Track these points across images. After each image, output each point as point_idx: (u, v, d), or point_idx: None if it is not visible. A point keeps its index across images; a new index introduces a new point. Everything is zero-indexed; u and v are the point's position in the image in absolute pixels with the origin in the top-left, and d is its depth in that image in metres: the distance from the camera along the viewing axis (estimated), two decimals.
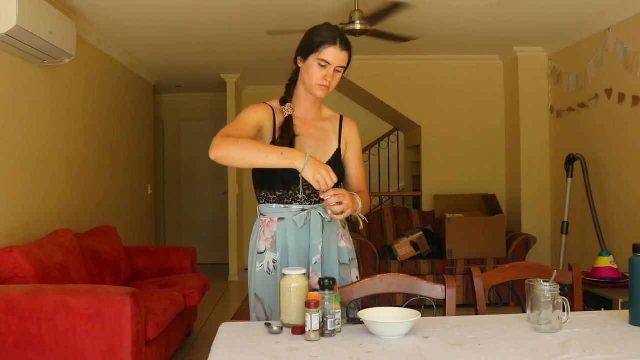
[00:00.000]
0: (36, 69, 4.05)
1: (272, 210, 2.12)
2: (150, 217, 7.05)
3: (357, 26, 4.04)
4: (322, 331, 1.67)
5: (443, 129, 6.51)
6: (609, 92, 4.89)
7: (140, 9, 4.46)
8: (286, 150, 1.90)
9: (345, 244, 2.18)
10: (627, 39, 4.62)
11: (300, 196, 2.09)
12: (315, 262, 2.07)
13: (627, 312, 1.81)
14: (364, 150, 7.20)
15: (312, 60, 2.05)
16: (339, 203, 1.91)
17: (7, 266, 3.22)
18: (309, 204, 2.10)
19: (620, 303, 3.50)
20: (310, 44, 2.06)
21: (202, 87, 8.10)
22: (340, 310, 1.71)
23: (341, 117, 2.27)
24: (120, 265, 4.52)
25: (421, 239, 5.74)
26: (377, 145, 7.43)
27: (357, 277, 2.20)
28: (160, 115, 8.43)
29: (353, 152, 2.25)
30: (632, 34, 4.57)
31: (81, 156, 4.87)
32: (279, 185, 2.07)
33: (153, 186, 7.18)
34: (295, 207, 2.09)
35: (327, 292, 1.68)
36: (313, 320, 1.63)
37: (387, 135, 7.51)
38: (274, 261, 2.09)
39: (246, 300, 4.11)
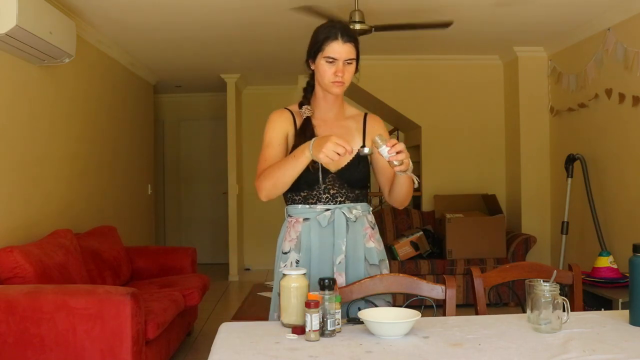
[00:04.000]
0: (36, 69, 4.05)
1: (297, 211, 2.14)
2: (150, 217, 7.05)
3: (357, 26, 4.04)
4: (322, 331, 1.67)
5: (443, 129, 6.51)
6: (609, 92, 4.89)
7: (140, 9, 4.46)
8: (295, 150, 1.99)
9: (374, 244, 2.17)
10: (627, 39, 4.62)
11: (323, 195, 2.10)
12: (339, 262, 2.07)
13: (627, 312, 1.81)
14: None
15: (320, 60, 2.08)
16: (398, 153, 1.86)
17: (7, 266, 3.22)
18: (333, 204, 2.11)
19: (620, 303, 3.50)
20: (315, 44, 2.10)
21: (202, 87, 8.09)
22: (340, 310, 1.71)
23: (365, 115, 2.27)
24: (120, 265, 4.52)
25: (421, 239, 5.74)
26: None
27: None
28: (160, 115, 8.43)
29: None
30: (632, 34, 4.57)
31: (81, 156, 4.87)
32: (303, 185, 2.10)
33: (153, 186, 7.18)
34: (320, 207, 2.11)
35: (327, 292, 1.68)
36: (313, 320, 1.63)
37: None
38: (297, 261, 2.11)
39: (247, 300, 4.13)
